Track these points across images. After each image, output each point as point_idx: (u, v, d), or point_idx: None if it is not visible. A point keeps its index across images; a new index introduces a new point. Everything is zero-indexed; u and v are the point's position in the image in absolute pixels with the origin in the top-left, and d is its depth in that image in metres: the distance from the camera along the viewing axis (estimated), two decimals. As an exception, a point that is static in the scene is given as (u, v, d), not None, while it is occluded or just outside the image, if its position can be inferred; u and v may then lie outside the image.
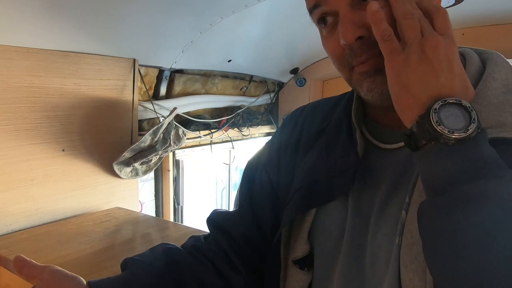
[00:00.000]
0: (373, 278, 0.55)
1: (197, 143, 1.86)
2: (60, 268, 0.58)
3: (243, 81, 1.99)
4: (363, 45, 0.49)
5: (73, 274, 0.59)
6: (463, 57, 0.58)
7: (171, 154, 1.68)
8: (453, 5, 1.39)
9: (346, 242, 0.58)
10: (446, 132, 0.41)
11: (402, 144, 0.55)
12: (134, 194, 1.50)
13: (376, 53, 0.48)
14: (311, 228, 0.61)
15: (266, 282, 0.66)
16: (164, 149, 1.39)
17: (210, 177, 2.17)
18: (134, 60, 1.35)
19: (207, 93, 1.80)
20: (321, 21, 0.53)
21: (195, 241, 0.72)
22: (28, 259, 0.56)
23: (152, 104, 1.47)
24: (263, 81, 2.15)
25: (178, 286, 0.64)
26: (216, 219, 0.72)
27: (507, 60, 0.55)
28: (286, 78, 2.21)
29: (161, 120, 1.40)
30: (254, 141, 2.25)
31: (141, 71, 1.41)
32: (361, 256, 0.56)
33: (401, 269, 0.48)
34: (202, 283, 0.66)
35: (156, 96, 1.56)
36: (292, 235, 0.64)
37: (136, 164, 1.38)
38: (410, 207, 0.50)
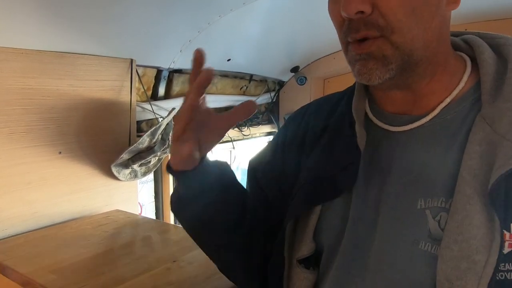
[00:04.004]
0: (377, 281, 0.53)
1: (197, 144, 1.83)
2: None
3: (243, 80, 1.97)
4: (361, 21, 0.48)
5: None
6: (468, 45, 0.57)
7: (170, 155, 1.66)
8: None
9: (345, 238, 0.57)
10: None
11: (412, 126, 0.55)
12: (134, 196, 1.48)
13: (372, 34, 0.48)
14: (317, 227, 0.60)
15: (270, 281, 0.65)
16: (162, 150, 1.37)
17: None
18: (132, 60, 1.33)
19: (206, 93, 1.74)
20: None
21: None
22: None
23: (151, 105, 1.45)
24: (263, 80, 2.12)
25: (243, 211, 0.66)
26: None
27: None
28: (286, 76, 2.19)
29: (160, 121, 1.38)
30: (255, 141, 2.23)
31: (139, 72, 1.39)
32: (363, 252, 0.55)
33: (442, 283, 0.46)
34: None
35: (154, 97, 1.54)
36: (296, 234, 0.63)
37: (135, 166, 1.36)
38: (454, 214, 0.46)
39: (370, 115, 0.61)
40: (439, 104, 0.54)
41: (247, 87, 2.02)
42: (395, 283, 0.51)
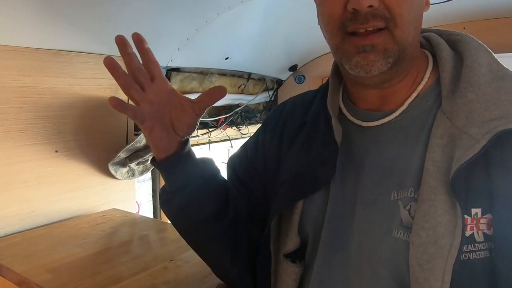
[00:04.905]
0: (359, 270, 0.56)
1: (195, 143, 1.83)
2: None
3: (241, 78, 1.96)
4: (368, 14, 0.51)
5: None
6: (428, 42, 0.61)
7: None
8: (447, 0, 1.36)
9: (325, 229, 0.59)
10: None
11: (383, 121, 0.58)
12: (131, 195, 1.47)
13: (379, 25, 0.51)
14: (300, 221, 0.62)
15: (258, 276, 0.67)
16: (160, 149, 1.36)
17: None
18: (129, 58, 1.32)
19: (204, 91, 1.77)
20: None
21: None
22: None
23: (148, 103, 1.44)
24: (261, 79, 2.12)
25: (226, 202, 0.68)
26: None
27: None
28: (285, 75, 2.18)
29: (157, 119, 1.37)
30: (253, 140, 2.22)
31: (137, 70, 1.39)
32: (343, 243, 0.58)
33: (414, 267, 0.49)
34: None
35: (152, 95, 1.53)
36: (281, 230, 0.65)
37: (132, 165, 1.36)
38: (421, 204, 0.50)
39: (344, 111, 0.63)
40: (406, 100, 0.57)
41: (245, 86, 2.01)
42: (375, 270, 0.54)
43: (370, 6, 0.50)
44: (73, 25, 1.08)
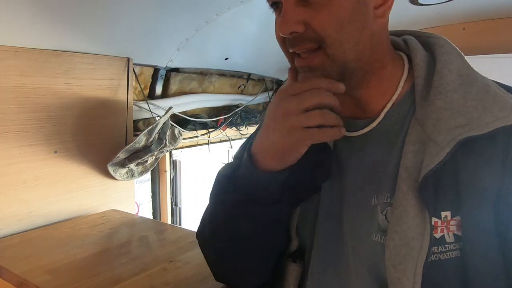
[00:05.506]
0: (347, 270, 0.59)
1: (195, 143, 1.83)
2: None
3: (241, 79, 1.96)
4: (296, 38, 0.53)
5: None
6: (406, 44, 0.63)
7: (168, 154, 1.65)
8: (448, 1, 1.36)
9: (317, 233, 0.62)
10: None
11: (363, 131, 0.60)
12: (130, 195, 1.47)
13: (309, 47, 0.53)
14: (298, 223, 0.65)
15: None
16: (159, 150, 1.36)
17: (208, 177, 2.14)
18: (128, 59, 1.32)
19: (204, 92, 1.77)
20: (273, 5, 0.58)
21: None
22: None
23: (148, 104, 1.44)
24: (261, 79, 2.12)
25: None
26: None
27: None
28: (284, 76, 2.18)
29: (157, 120, 1.37)
30: (253, 140, 2.21)
31: (136, 70, 1.39)
32: (334, 243, 0.60)
33: (389, 268, 0.52)
34: None
35: (152, 96, 1.53)
36: None
37: (132, 165, 1.35)
38: (394, 209, 0.53)
39: None
40: (383, 108, 0.59)
41: (245, 86, 2.01)
42: (359, 271, 0.57)
43: (295, 32, 0.52)
44: (73, 26, 1.08)
